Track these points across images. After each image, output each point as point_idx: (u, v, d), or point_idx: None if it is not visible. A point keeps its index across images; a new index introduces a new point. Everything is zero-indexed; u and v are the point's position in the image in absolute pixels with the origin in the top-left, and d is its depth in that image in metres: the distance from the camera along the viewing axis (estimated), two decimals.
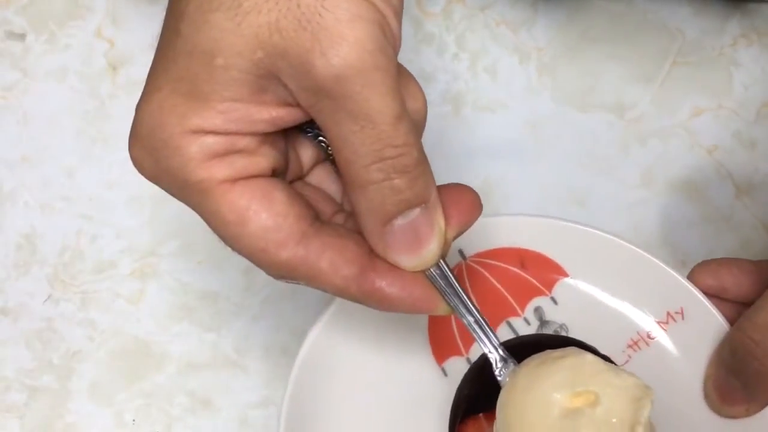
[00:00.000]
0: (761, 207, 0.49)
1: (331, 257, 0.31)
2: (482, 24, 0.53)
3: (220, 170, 0.30)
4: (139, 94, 0.53)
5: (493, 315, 0.42)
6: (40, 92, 0.52)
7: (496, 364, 0.37)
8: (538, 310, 0.43)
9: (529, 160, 0.50)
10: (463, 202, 0.34)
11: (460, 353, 0.42)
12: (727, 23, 0.52)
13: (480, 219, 0.43)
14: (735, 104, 0.51)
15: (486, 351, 0.37)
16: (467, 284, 0.43)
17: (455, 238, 0.34)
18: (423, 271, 0.33)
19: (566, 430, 0.34)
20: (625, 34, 0.52)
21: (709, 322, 0.41)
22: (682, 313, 0.42)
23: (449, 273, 0.34)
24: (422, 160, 0.31)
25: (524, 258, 0.43)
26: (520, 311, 0.43)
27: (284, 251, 0.31)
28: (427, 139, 0.51)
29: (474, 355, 0.42)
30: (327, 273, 0.32)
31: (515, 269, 0.44)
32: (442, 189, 0.33)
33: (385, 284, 0.32)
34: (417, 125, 0.32)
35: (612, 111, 0.51)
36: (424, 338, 0.42)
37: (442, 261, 0.33)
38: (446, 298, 0.34)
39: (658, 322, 0.43)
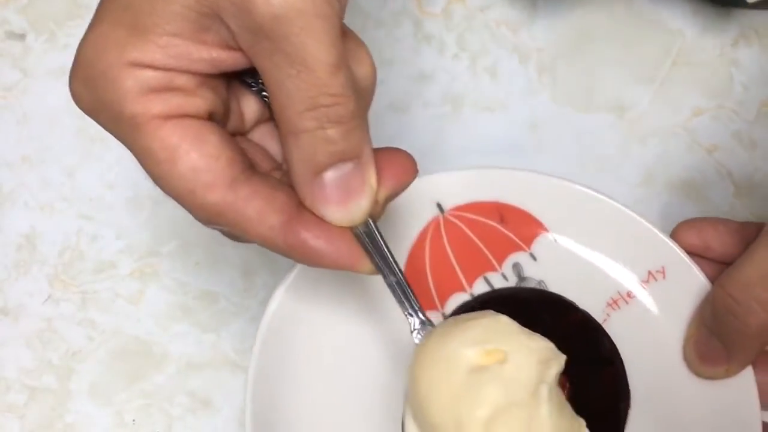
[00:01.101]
0: (761, 206, 0.49)
1: (260, 205, 0.31)
2: (482, 24, 0.53)
3: (155, 105, 0.30)
4: None
5: (470, 269, 0.42)
6: (40, 92, 0.52)
7: (414, 327, 0.36)
8: (516, 266, 0.43)
9: (529, 160, 0.50)
10: (397, 165, 0.33)
11: (435, 307, 0.42)
12: (727, 23, 0.52)
13: (459, 172, 0.42)
14: (735, 104, 0.51)
15: (406, 314, 0.36)
16: (444, 238, 0.43)
17: (387, 200, 0.34)
18: (350, 229, 0.33)
19: (472, 385, 0.33)
20: (625, 35, 0.52)
21: (691, 281, 0.40)
22: (663, 272, 0.41)
23: (377, 233, 0.33)
24: (358, 115, 0.31)
25: (504, 212, 0.43)
26: (497, 266, 0.43)
27: (212, 194, 0.31)
28: (426, 139, 0.51)
29: (449, 308, 0.41)
30: (253, 221, 0.31)
31: (494, 224, 0.43)
32: (377, 151, 0.33)
33: (311, 236, 0.32)
34: (364, 92, 0.32)
35: (612, 111, 0.51)
36: (392, 303, 0.41)
37: (370, 221, 0.33)
38: (372, 257, 0.33)
39: (639, 281, 0.42)
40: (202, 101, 0.31)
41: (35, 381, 0.47)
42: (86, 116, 0.53)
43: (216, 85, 0.32)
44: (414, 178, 0.34)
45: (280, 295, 0.40)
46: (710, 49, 0.52)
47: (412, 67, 0.52)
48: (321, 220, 0.32)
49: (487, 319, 0.35)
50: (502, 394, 0.33)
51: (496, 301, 0.39)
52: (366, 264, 0.33)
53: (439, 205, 0.42)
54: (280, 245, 0.32)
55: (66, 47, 0.53)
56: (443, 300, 0.42)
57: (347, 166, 0.31)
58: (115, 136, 0.32)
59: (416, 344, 0.36)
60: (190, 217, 0.50)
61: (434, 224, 0.42)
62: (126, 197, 0.50)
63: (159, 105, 0.30)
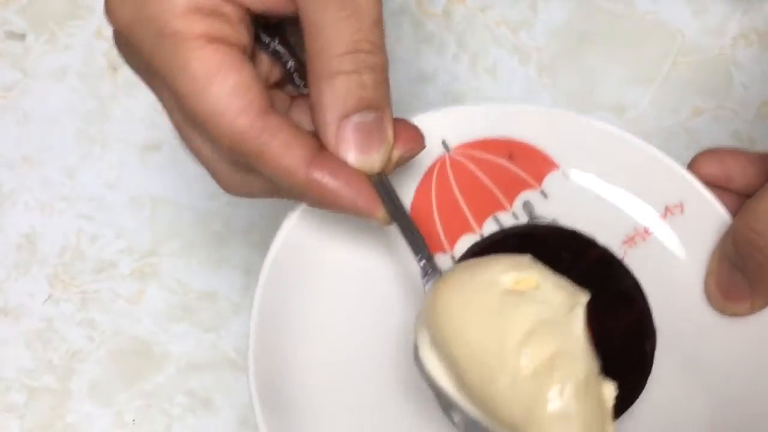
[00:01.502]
0: None
1: (285, 137, 0.32)
2: (482, 24, 0.53)
3: (200, 26, 0.31)
4: (139, 94, 0.53)
5: (478, 209, 0.40)
6: (40, 92, 0.52)
7: (426, 274, 0.35)
8: (527, 205, 0.41)
9: None
10: (408, 133, 0.35)
11: (443, 250, 0.40)
12: (727, 23, 0.52)
13: (465, 107, 0.41)
14: (735, 104, 0.51)
15: (418, 260, 0.35)
16: (451, 178, 0.41)
17: (398, 162, 0.34)
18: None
19: (507, 305, 0.33)
20: (625, 35, 0.52)
21: (711, 215, 0.39)
22: (681, 207, 0.39)
23: (391, 187, 0.34)
24: (387, 70, 0.33)
25: (513, 149, 0.41)
26: (507, 205, 0.41)
27: (243, 118, 0.31)
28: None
29: (459, 251, 0.40)
30: (278, 151, 0.32)
31: (503, 161, 0.41)
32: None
33: (331, 175, 0.32)
34: None
35: (612, 111, 0.51)
36: (403, 243, 0.39)
37: (383, 174, 0.34)
38: (386, 206, 0.34)
39: (656, 217, 0.40)
40: (241, 36, 0.32)
41: (35, 381, 0.47)
42: (86, 116, 0.54)
43: (250, 27, 0.33)
44: (421, 149, 0.35)
45: (288, 228, 0.39)
46: (710, 49, 0.52)
47: (412, 67, 0.52)
48: (342, 164, 0.33)
49: (509, 257, 0.34)
50: (538, 312, 0.32)
51: (509, 240, 0.37)
52: (381, 211, 0.33)
53: (444, 143, 0.40)
54: (300, 179, 0.32)
55: (66, 47, 0.53)
56: (452, 242, 0.40)
57: (371, 116, 0.32)
58: (149, 55, 0.32)
59: (427, 289, 0.35)
60: (190, 217, 0.51)
61: (440, 163, 0.40)
62: (126, 197, 0.50)
63: (204, 26, 0.31)
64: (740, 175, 0.39)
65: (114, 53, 0.53)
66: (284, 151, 0.32)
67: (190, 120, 0.33)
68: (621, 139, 0.40)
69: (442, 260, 0.40)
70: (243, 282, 0.48)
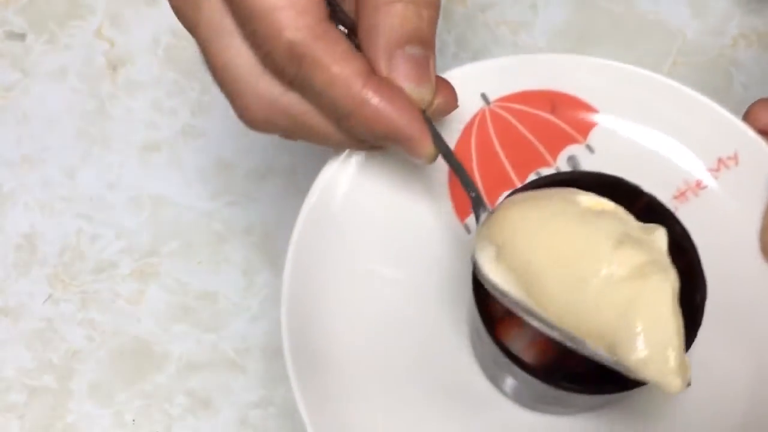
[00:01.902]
0: None
1: (345, 48, 0.31)
2: (482, 24, 0.53)
3: None
4: (139, 94, 0.53)
5: (521, 165, 0.38)
6: (40, 92, 0.52)
7: (477, 207, 0.34)
8: (571, 159, 0.39)
9: None
10: (445, 86, 0.35)
11: (484, 207, 0.38)
12: (727, 23, 0.52)
13: (505, 59, 0.39)
14: (735, 104, 0.51)
15: (469, 194, 0.34)
16: (491, 132, 0.39)
17: (437, 110, 0.34)
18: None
19: (589, 218, 0.31)
20: (625, 35, 0.52)
21: (767, 166, 0.37)
22: (735, 159, 0.38)
23: (434, 126, 0.33)
24: (438, 15, 0.33)
25: (555, 102, 0.39)
26: (551, 160, 0.39)
27: (307, 18, 0.30)
28: None
29: None
30: (339, 58, 0.31)
31: (545, 114, 0.39)
32: None
33: (385, 96, 0.32)
34: None
35: None
36: (444, 194, 0.38)
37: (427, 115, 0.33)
38: (434, 140, 0.33)
39: (709, 170, 0.38)
40: None
41: (35, 381, 0.47)
42: (86, 116, 0.54)
43: None
44: (455, 107, 0.35)
45: (330, 172, 0.37)
46: (710, 49, 0.52)
47: None
48: (395, 89, 0.32)
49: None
50: (623, 227, 0.31)
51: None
52: (430, 143, 0.33)
53: (484, 96, 0.39)
54: (356, 93, 0.31)
55: (66, 47, 0.53)
56: (493, 199, 0.38)
57: (421, 51, 0.32)
58: None
59: (481, 220, 0.34)
60: (190, 217, 0.51)
61: (480, 117, 0.39)
62: (126, 197, 0.50)
63: None
64: None
65: (114, 53, 0.53)
66: (343, 60, 0.31)
67: (240, 17, 0.31)
68: (671, 89, 0.38)
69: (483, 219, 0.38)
70: (243, 282, 0.48)
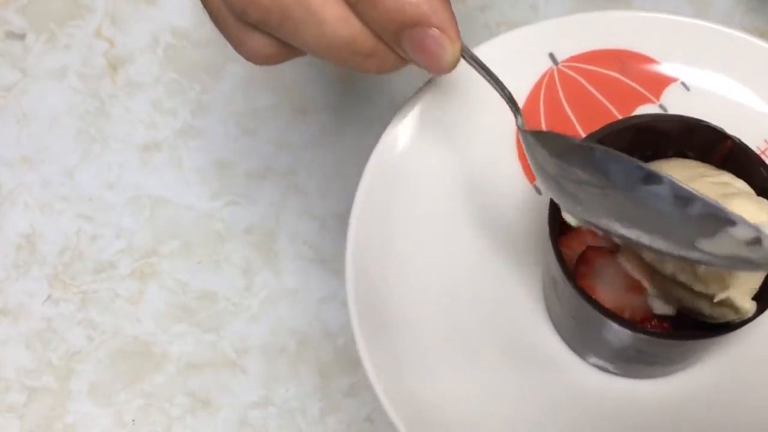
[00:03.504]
0: None
1: None
2: (482, 24, 0.53)
3: None
4: (139, 94, 0.53)
5: (592, 126, 0.36)
6: (40, 92, 0.52)
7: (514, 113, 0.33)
8: None
9: None
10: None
11: None
12: (728, 23, 0.52)
13: (571, 17, 0.38)
14: None
15: (502, 96, 0.33)
16: (560, 93, 0.38)
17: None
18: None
19: (722, 190, 0.31)
20: None
21: None
22: None
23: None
24: None
25: (625, 60, 0.38)
26: None
27: None
28: None
29: None
30: None
31: (615, 74, 0.38)
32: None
33: None
34: None
35: None
36: (513, 156, 0.38)
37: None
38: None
39: None
40: None
41: (35, 381, 0.46)
42: (86, 116, 0.54)
43: None
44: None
45: (393, 132, 0.36)
46: None
47: (412, 66, 0.52)
48: None
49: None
50: (734, 179, 0.31)
51: (627, 134, 0.33)
52: (457, 38, 0.31)
53: (551, 56, 0.38)
54: None
55: (66, 47, 0.53)
56: None
57: None
58: None
59: (519, 124, 0.33)
60: (191, 216, 0.50)
61: (548, 77, 0.38)
62: (126, 197, 0.50)
63: None
64: None
65: (114, 53, 0.53)
66: None
67: None
68: (744, 41, 0.37)
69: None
70: (242, 282, 0.48)
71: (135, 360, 0.47)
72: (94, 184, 0.50)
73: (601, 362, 0.36)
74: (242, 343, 0.47)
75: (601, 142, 0.33)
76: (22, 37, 0.53)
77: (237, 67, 0.52)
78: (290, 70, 0.52)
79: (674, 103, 0.37)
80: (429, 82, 0.38)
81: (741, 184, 0.32)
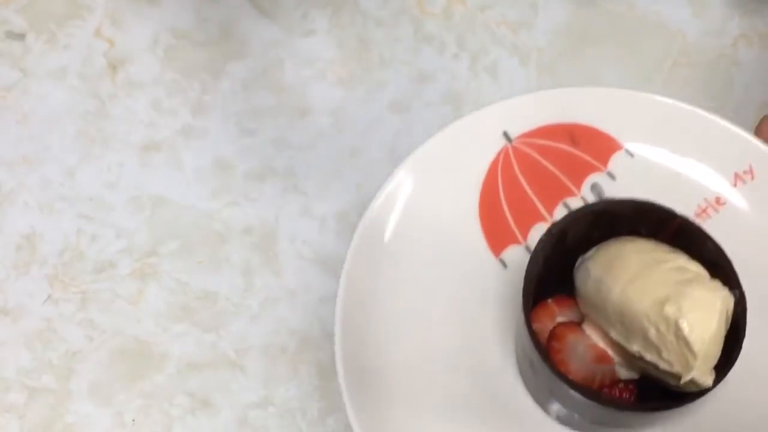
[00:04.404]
0: None
1: None
2: (482, 24, 0.53)
3: None
4: (139, 94, 0.53)
5: (547, 197, 0.40)
6: (40, 92, 0.52)
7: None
8: (595, 187, 0.41)
9: None
10: None
11: (517, 241, 0.40)
12: (727, 24, 0.52)
13: (522, 97, 0.40)
14: (735, 104, 0.51)
15: None
16: (516, 168, 0.41)
17: None
18: None
19: (677, 276, 0.33)
20: (625, 35, 0.52)
21: None
22: (751, 172, 0.39)
23: None
24: None
25: (574, 133, 0.41)
26: (576, 191, 0.41)
27: None
28: (427, 139, 0.51)
29: (533, 241, 0.39)
30: None
31: (565, 146, 0.41)
32: None
33: None
34: None
35: None
36: (476, 230, 0.40)
37: None
38: None
39: (727, 185, 0.39)
40: None
41: (35, 381, 0.47)
42: (86, 116, 0.54)
43: None
44: None
45: (376, 208, 0.39)
46: (710, 50, 0.52)
47: (412, 67, 0.52)
48: None
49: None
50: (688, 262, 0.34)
51: (587, 219, 0.36)
52: None
53: (506, 134, 0.41)
54: None
55: (66, 47, 0.53)
56: (524, 232, 0.40)
57: None
58: None
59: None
60: (191, 216, 0.51)
61: (504, 154, 0.41)
62: (126, 197, 0.50)
63: None
64: None
65: (114, 53, 0.53)
66: None
67: None
68: (682, 111, 0.40)
69: (516, 252, 0.40)
70: (242, 282, 0.48)
71: (135, 360, 0.47)
72: (94, 184, 0.50)
73: (577, 425, 0.38)
74: (242, 343, 0.47)
75: (564, 229, 0.36)
76: (22, 37, 0.53)
77: (237, 67, 0.52)
78: (290, 70, 0.52)
79: (620, 170, 0.40)
80: (401, 165, 0.41)
81: (695, 267, 0.35)
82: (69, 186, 0.50)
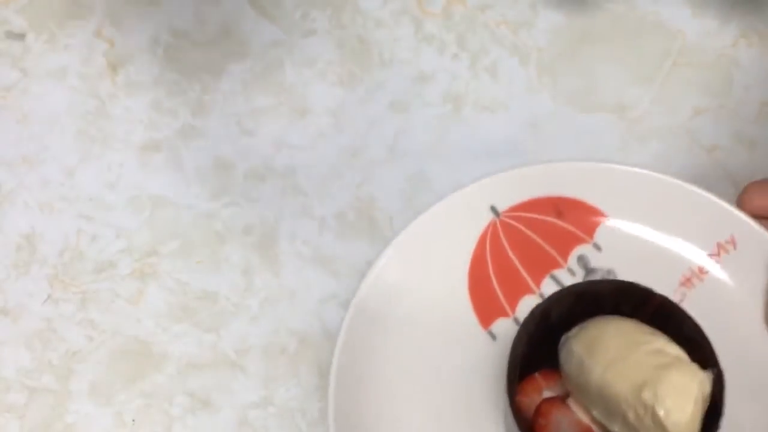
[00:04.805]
0: None
1: None
2: (482, 24, 0.53)
3: None
4: (139, 94, 0.53)
5: (535, 269, 0.41)
6: (40, 92, 0.52)
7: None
8: (581, 259, 0.42)
9: (529, 160, 0.50)
10: None
11: (506, 314, 0.41)
12: (727, 24, 0.52)
13: (508, 172, 0.42)
14: (735, 104, 0.51)
15: None
16: (504, 241, 0.42)
17: None
18: None
19: (655, 360, 0.35)
20: (625, 35, 0.52)
21: (764, 247, 0.39)
22: (733, 242, 0.40)
23: None
24: None
25: (560, 206, 0.42)
26: (562, 262, 0.42)
27: None
28: (426, 138, 0.51)
29: (521, 313, 0.40)
30: None
31: (552, 219, 0.42)
32: None
33: None
34: None
35: (612, 111, 0.51)
36: (466, 303, 0.41)
37: None
38: None
39: (709, 255, 0.40)
40: None
41: (35, 381, 0.46)
42: (86, 116, 0.54)
43: None
44: None
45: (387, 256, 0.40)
46: (710, 50, 0.52)
47: (412, 67, 0.52)
48: None
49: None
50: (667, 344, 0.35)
51: (569, 299, 0.38)
52: None
53: (493, 209, 0.42)
54: None
55: (66, 47, 0.53)
56: (513, 305, 0.41)
57: None
58: None
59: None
60: (191, 216, 0.51)
61: (491, 228, 0.42)
62: (126, 197, 0.50)
63: None
64: None
65: (114, 53, 0.53)
66: None
67: None
68: (665, 183, 0.41)
69: (505, 325, 0.41)
70: (242, 282, 0.48)
71: (135, 360, 0.47)
72: (94, 184, 0.50)
73: None
74: (242, 343, 0.47)
75: (547, 309, 0.38)
76: (22, 37, 0.53)
77: (237, 67, 0.52)
78: (290, 70, 0.52)
79: (606, 241, 0.41)
80: (391, 243, 0.42)
81: (673, 350, 0.36)
82: (69, 186, 0.50)
